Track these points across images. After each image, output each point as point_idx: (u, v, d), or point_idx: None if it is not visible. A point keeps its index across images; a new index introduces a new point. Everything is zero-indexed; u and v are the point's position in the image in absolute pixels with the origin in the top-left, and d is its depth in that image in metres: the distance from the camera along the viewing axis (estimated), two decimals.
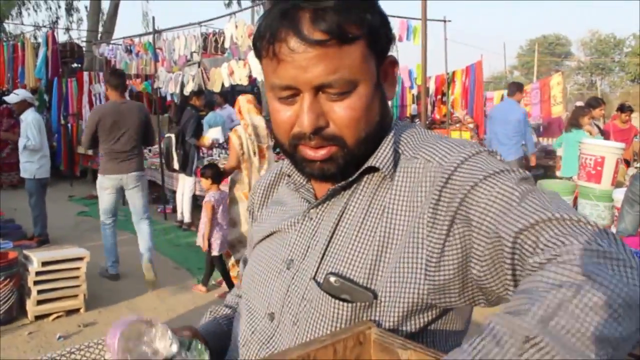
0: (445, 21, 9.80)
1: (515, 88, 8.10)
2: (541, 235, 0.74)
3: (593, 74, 47.79)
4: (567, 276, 0.66)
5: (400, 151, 0.98)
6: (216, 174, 5.47)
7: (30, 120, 6.75)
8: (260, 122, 5.30)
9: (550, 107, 11.08)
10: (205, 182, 5.54)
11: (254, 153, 5.23)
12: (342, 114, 0.91)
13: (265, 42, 0.91)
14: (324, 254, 0.96)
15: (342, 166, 0.95)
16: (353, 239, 0.94)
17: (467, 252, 0.84)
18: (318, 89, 0.90)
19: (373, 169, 0.97)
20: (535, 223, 0.75)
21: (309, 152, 0.94)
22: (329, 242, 0.96)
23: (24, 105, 6.83)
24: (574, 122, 7.44)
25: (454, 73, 10.77)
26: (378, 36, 0.93)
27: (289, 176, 1.10)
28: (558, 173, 7.73)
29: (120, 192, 5.69)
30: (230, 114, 10.64)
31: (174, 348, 0.98)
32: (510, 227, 0.77)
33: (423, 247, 0.88)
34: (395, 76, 1.03)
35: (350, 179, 0.97)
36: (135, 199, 5.65)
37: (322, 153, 0.93)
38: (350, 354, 0.84)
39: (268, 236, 1.10)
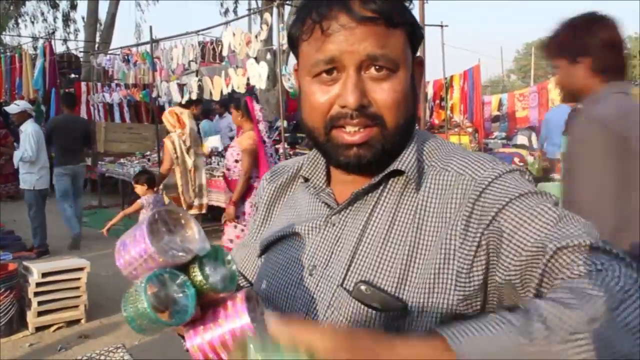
0: (442, 26, 9.82)
1: None
2: (580, 256, 0.78)
3: None
4: (611, 288, 0.71)
5: (425, 160, 0.98)
6: (150, 180, 5.77)
7: (30, 131, 6.76)
8: (194, 125, 5.83)
9: (549, 110, 11.10)
10: (141, 189, 5.73)
11: (188, 156, 5.79)
12: (385, 95, 0.91)
13: (310, 21, 0.91)
14: (351, 261, 0.94)
15: (378, 152, 0.93)
16: (381, 247, 0.92)
17: (492, 261, 0.86)
18: (362, 66, 0.90)
19: (397, 173, 0.96)
20: (578, 245, 0.79)
21: (345, 137, 0.93)
22: (356, 249, 0.94)
23: (23, 116, 6.84)
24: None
25: (451, 78, 10.80)
26: (415, 29, 0.96)
27: (306, 180, 1.08)
28: (557, 176, 7.74)
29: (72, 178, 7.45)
30: (230, 122, 10.66)
31: (206, 245, 0.80)
32: (554, 242, 0.80)
33: (455, 258, 0.87)
34: (421, 77, 1.04)
35: (374, 182, 0.96)
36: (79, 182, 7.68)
37: (359, 136, 0.92)
38: None
39: (280, 239, 1.07)
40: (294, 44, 0.98)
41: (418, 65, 1.01)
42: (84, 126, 8.12)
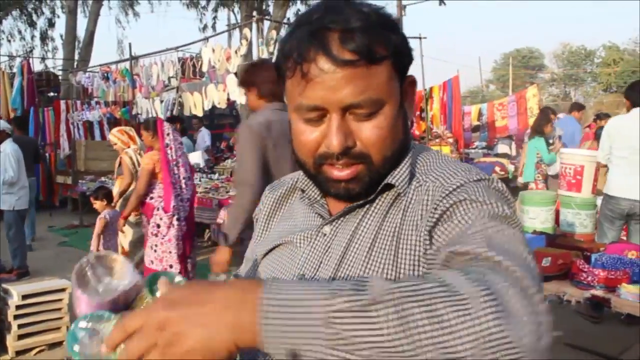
0: (420, 38, 9.92)
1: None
2: (469, 263, 0.77)
3: (567, 85, 48.70)
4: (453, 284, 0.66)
5: (415, 173, 1.00)
6: (108, 195, 5.98)
7: (9, 151, 6.67)
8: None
9: (527, 118, 11.23)
10: (100, 204, 5.88)
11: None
12: (369, 133, 0.92)
13: (292, 62, 0.91)
14: (336, 270, 0.96)
15: (367, 185, 0.95)
16: (365, 256, 0.94)
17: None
18: (346, 110, 0.90)
19: (388, 187, 0.98)
20: (465, 252, 0.79)
21: (334, 172, 0.95)
22: (342, 259, 0.96)
23: (2, 135, 6.75)
24: (538, 129, 7.56)
25: (431, 89, 10.89)
26: (402, 56, 0.95)
27: (302, 191, 1.09)
28: (520, 179, 7.88)
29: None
30: (204, 136, 10.66)
31: (136, 277, 0.86)
32: (448, 248, 0.82)
33: (420, 265, 0.90)
34: (414, 95, 1.04)
35: (368, 199, 0.98)
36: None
37: (347, 172, 0.94)
38: None
39: (274, 248, 1.09)
40: (280, 74, 0.97)
41: (410, 85, 1.02)
42: (34, 145, 9.13)
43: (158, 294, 0.81)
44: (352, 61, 0.87)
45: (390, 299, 0.63)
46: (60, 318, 4.67)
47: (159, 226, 5.08)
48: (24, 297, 4.49)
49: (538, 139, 7.39)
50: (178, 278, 0.88)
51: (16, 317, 4.46)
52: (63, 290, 4.69)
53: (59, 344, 4.66)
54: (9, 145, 6.73)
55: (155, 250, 5.10)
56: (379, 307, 0.62)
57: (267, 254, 1.11)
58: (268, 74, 3.20)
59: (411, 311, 0.62)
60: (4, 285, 4.75)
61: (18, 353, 4.49)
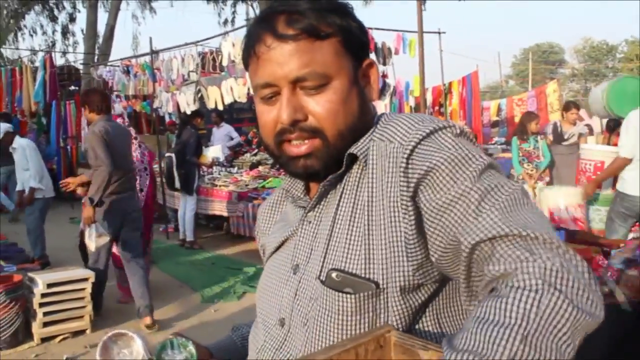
0: (439, 33, 9.88)
1: None
2: (497, 248, 0.79)
3: (587, 80, 48.05)
4: (515, 313, 0.70)
5: (373, 137, 1.01)
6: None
7: (25, 145, 6.76)
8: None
9: (547, 114, 11.13)
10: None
11: None
12: (319, 107, 0.96)
13: (246, 48, 0.99)
14: (325, 252, 0.98)
15: (324, 161, 0.98)
16: (347, 233, 0.96)
17: (425, 233, 0.90)
18: (294, 84, 0.95)
19: (354, 160, 1.00)
20: (492, 237, 0.80)
21: (292, 149, 0.99)
22: (329, 240, 0.98)
23: (8, 136, 6.76)
24: (521, 128, 7.52)
25: (450, 84, 10.84)
26: (351, 36, 0.99)
27: (287, 191, 1.13)
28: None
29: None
30: (229, 131, 10.69)
31: (144, 355, 1.16)
32: (469, 238, 0.82)
33: (401, 229, 0.91)
34: (375, 78, 1.07)
35: (337, 174, 1.00)
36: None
37: (303, 148, 0.98)
38: (371, 356, 0.85)
39: (275, 251, 1.13)
40: (247, 69, 1.05)
41: (368, 67, 1.05)
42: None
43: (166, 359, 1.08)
44: (294, 35, 0.93)
45: None
46: (84, 307, 4.77)
47: None
48: (49, 285, 4.59)
49: (514, 139, 7.45)
50: (190, 346, 1.09)
51: (41, 305, 4.56)
52: (86, 279, 4.79)
53: (82, 332, 4.77)
54: (22, 141, 6.81)
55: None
56: None
57: (268, 258, 1.15)
58: (95, 96, 4.99)
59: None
60: (30, 274, 4.86)
61: (43, 340, 4.60)
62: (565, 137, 7.57)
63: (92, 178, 4.77)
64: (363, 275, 0.92)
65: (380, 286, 0.90)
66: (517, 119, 11.99)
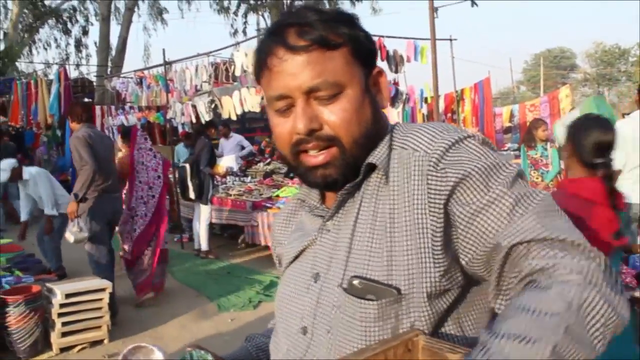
0: (451, 40, 9.89)
1: None
2: (534, 251, 0.83)
3: (600, 84, 47.74)
4: (557, 303, 0.74)
5: (392, 145, 1.02)
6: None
7: (35, 173, 6.66)
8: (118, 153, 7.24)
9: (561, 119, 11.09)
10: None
11: None
12: (333, 115, 0.97)
13: (260, 62, 1.01)
14: (347, 260, 0.99)
15: (342, 169, 1.00)
16: (368, 241, 0.97)
17: (455, 238, 0.92)
18: (308, 95, 0.97)
19: (373, 168, 1.01)
20: (531, 240, 0.84)
21: (310, 160, 1.00)
22: (350, 248, 0.99)
23: (16, 171, 6.58)
24: (528, 135, 7.46)
25: (462, 91, 10.83)
26: (360, 45, 1.01)
27: (303, 201, 1.15)
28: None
29: None
30: (240, 141, 10.73)
31: None
32: (508, 239, 0.85)
33: (428, 236, 0.92)
34: (384, 85, 1.09)
35: (354, 182, 1.01)
36: None
37: (321, 158, 0.99)
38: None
39: (293, 261, 1.14)
40: (258, 82, 1.07)
41: (378, 75, 1.06)
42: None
43: None
44: (306, 46, 0.95)
45: None
46: (101, 317, 4.80)
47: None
48: (67, 295, 4.62)
49: (522, 147, 7.43)
50: (209, 358, 1.11)
51: (60, 315, 4.60)
52: (103, 289, 4.82)
53: (99, 342, 4.80)
54: (31, 170, 6.75)
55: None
56: None
57: (286, 267, 1.16)
58: (77, 108, 5.68)
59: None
60: (48, 285, 4.91)
61: (62, 350, 4.64)
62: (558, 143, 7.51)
63: (78, 177, 5.32)
64: (385, 282, 0.93)
65: (402, 292, 0.91)
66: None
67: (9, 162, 6.61)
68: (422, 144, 0.97)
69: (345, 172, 1.00)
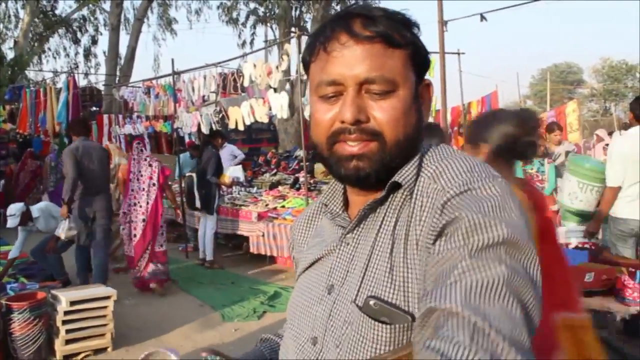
0: (459, 54, 9.91)
1: None
2: (443, 325, 0.74)
3: (607, 100, 47.69)
4: None
5: (422, 168, 1.00)
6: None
7: (44, 207, 6.80)
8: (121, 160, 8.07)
9: (567, 134, 11.07)
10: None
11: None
12: (382, 111, 0.96)
13: (317, 43, 0.99)
14: (363, 277, 0.97)
15: (376, 166, 0.97)
16: (387, 261, 0.95)
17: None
18: (361, 86, 0.96)
19: (398, 187, 0.99)
20: (444, 310, 0.76)
21: (346, 147, 0.97)
22: (367, 265, 0.98)
23: (25, 215, 6.54)
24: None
25: (469, 104, 10.84)
26: (419, 51, 1.00)
27: (325, 205, 1.12)
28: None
29: None
30: (232, 150, 10.73)
31: None
32: (428, 301, 0.79)
33: (423, 268, 0.90)
34: (430, 99, 1.08)
35: (378, 198, 0.99)
36: None
37: (359, 147, 0.96)
38: None
39: (309, 267, 1.12)
40: (306, 67, 1.06)
41: (426, 88, 1.05)
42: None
43: None
44: (370, 37, 0.94)
45: None
46: (105, 325, 4.80)
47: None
48: (72, 303, 4.63)
49: (517, 162, 7.25)
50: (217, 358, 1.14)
51: (64, 322, 4.60)
52: (108, 297, 4.82)
53: (103, 349, 4.79)
54: (39, 206, 6.88)
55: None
56: None
57: (302, 272, 1.14)
58: (76, 124, 6.88)
59: None
60: (53, 292, 4.91)
61: (65, 357, 4.64)
62: (553, 158, 7.40)
63: (64, 183, 6.40)
64: (402, 307, 0.91)
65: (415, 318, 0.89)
66: None
67: (18, 207, 6.57)
68: (443, 178, 0.94)
69: (379, 169, 0.97)
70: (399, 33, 0.96)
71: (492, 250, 0.81)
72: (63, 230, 6.11)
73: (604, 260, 3.93)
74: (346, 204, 1.11)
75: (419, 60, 1.01)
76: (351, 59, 0.95)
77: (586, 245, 4.46)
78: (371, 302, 0.93)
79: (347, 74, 0.95)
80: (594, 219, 4.87)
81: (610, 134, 9.69)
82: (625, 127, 8.56)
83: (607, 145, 9.18)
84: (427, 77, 1.07)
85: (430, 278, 0.85)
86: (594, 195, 5.11)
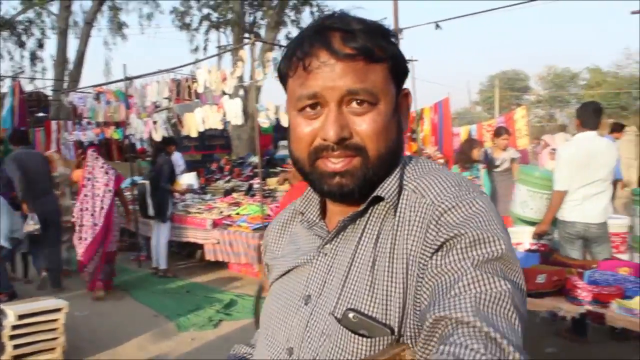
0: (412, 61, 10.06)
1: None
2: (453, 332, 0.77)
3: (552, 106, 49.23)
4: None
5: (404, 182, 1.00)
6: None
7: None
8: (65, 170, 8.20)
9: (515, 139, 11.37)
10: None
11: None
12: (365, 125, 0.95)
13: (295, 58, 0.97)
14: (341, 289, 0.96)
15: (360, 181, 0.97)
16: (369, 274, 0.94)
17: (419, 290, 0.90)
18: (342, 101, 0.95)
19: (380, 199, 0.99)
20: (454, 319, 0.78)
21: (328, 164, 0.97)
22: (346, 277, 0.97)
23: None
24: (462, 156, 7.53)
25: (422, 110, 11.01)
26: (398, 64, 1.00)
27: (302, 214, 1.12)
28: None
29: None
30: (178, 158, 10.54)
31: None
32: (435, 311, 0.81)
33: (413, 284, 0.91)
34: (409, 107, 1.08)
35: (359, 210, 0.99)
36: None
37: (342, 164, 0.96)
38: None
39: (283, 274, 1.11)
40: (282, 80, 1.04)
41: (404, 97, 1.06)
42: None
43: None
44: (352, 55, 0.93)
45: None
46: (56, 338, 4.65)
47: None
48: (20, 317, 4.47)
49: (454, 168, 7.49)
50: None
51: (12, 337, 4.43)
52: (59, 310, 4.68)
53: None
54: None
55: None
56: None
57: (276, 280, 1.13)
58: (15, 135, 7.43)
59: None
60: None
61: None
62: (497, 163, 7.43)
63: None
64: (381, 320, 0.91)
65: (396, 333, 0.90)
66: (487, 144, 12.22)
67: None
68: (431, 192, 0.95)
69: (362, 185, 0.97)
70: (378, 47, 0.95)
71: (491, 265, 0.85)
72: (27, 225, 6.60)
73: (554, 262, 4.05)
74: (322, 211, 1.10)
75: (399, 71, 1.01)
76: (332, 74, 0.94)
77: (536, 247, 4.59)
78: (350, 315, 0.92)
79: (329, 87, 0.94)
80: (542, 221, 5.02)
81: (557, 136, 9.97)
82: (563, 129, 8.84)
83: (553, 150, 9.46)
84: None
85: (427, 290, 0.86)
86: (544, 202, 5.27)
